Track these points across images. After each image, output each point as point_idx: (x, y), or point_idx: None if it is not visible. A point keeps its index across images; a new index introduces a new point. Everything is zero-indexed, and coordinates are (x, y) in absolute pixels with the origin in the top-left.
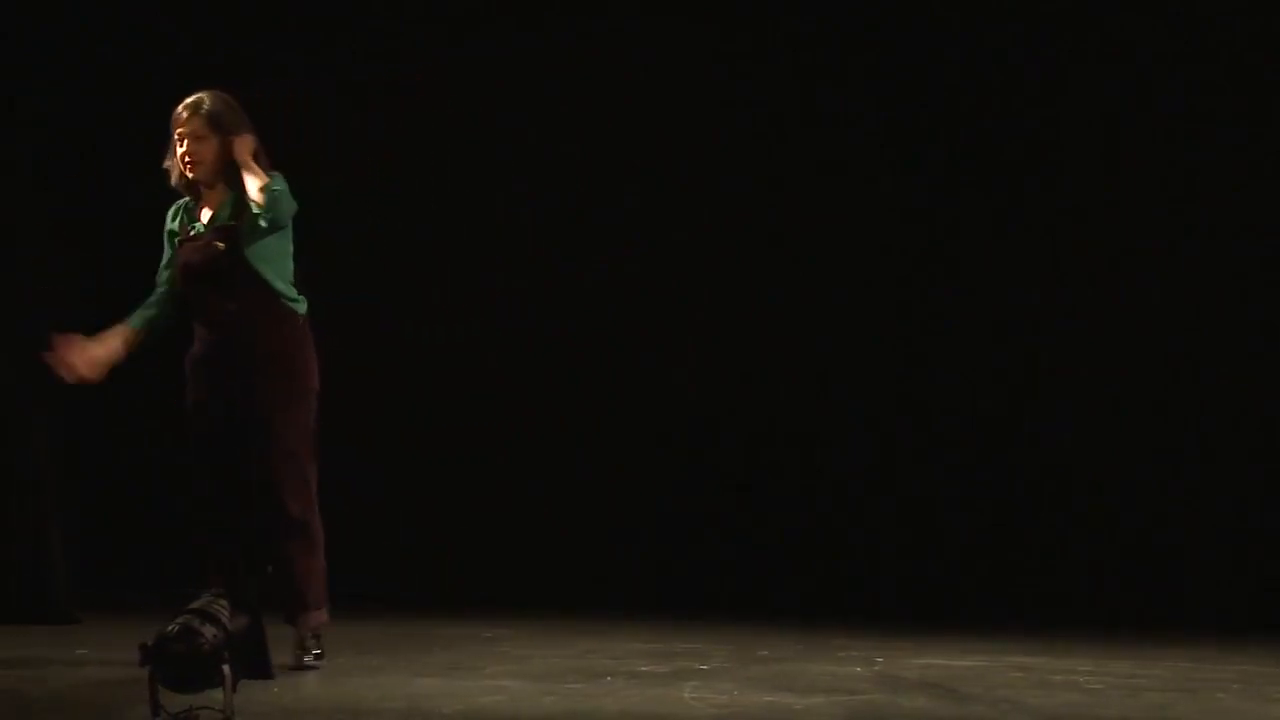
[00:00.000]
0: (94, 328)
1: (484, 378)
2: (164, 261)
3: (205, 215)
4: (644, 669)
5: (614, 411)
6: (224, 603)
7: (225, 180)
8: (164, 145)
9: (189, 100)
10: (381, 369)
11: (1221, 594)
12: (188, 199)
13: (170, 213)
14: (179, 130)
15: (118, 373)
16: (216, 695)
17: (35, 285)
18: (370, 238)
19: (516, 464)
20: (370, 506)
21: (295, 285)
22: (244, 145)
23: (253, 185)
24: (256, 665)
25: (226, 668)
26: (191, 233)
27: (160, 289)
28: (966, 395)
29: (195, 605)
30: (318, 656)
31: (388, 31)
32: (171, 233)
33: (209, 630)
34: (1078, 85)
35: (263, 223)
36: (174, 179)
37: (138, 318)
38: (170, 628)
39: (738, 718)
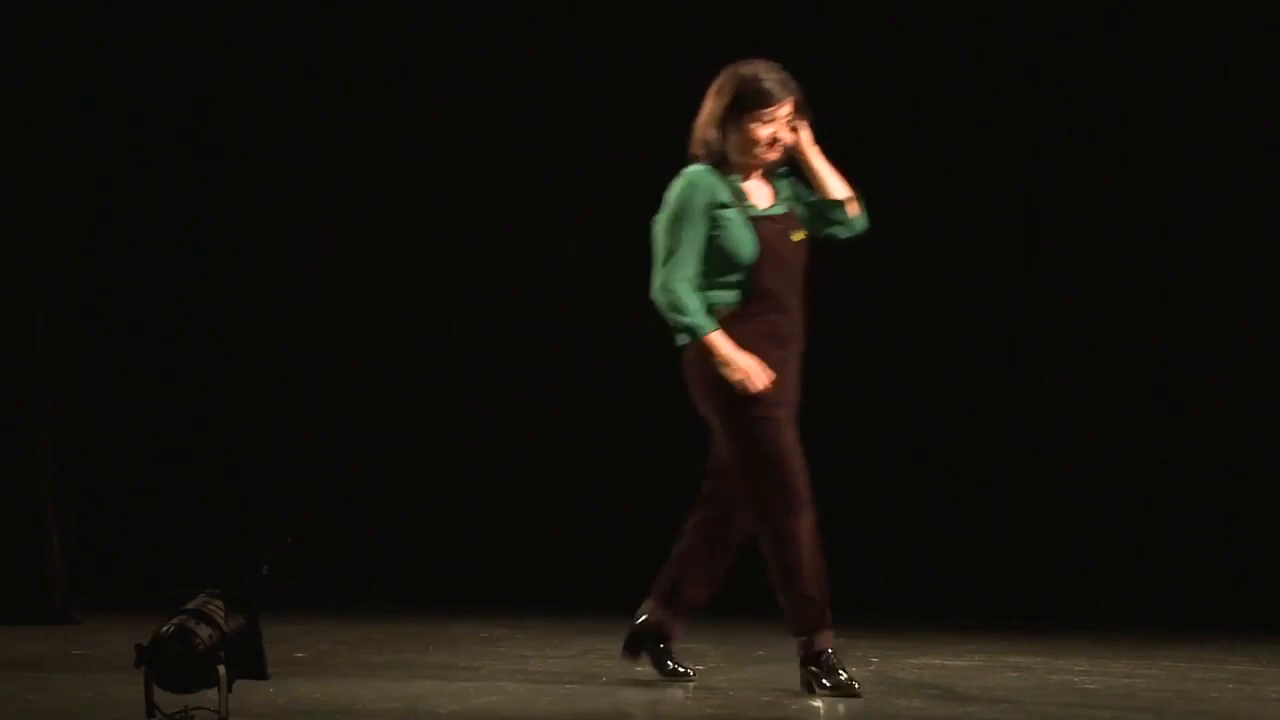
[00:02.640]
0: (94, 328)
1: (484, 379)
2: (699, 232)
3: (759, 197)
4: (641, 669)
5: (614, 411)
6: (219, 603)
7: (772, 167)
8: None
9: (783, 74)
10: (382, 372)
11: (1222, 594)
12: (704, 168)
13: (698, 180)
14: (784, 109)
15: (116, 372)
16: (212, 695)
17: (35, 285)
18: (380, 236)
19: (516, 464)
20: (370, 506)
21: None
22: (809, 131)
23: (838, 183)
24: (252, 665)
25: (222, 668)
26: (755, 214)
27: (692, 280)
28: (965, 395)
29: (191, 605)
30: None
31: (387, 31)
32: (724, 204)
33: (204, 630)
34: (1085, 81)
35: (857, 227)
36: (709, 144)
37: (711, 319)
38: (165, 628)
39: (733, 718)
